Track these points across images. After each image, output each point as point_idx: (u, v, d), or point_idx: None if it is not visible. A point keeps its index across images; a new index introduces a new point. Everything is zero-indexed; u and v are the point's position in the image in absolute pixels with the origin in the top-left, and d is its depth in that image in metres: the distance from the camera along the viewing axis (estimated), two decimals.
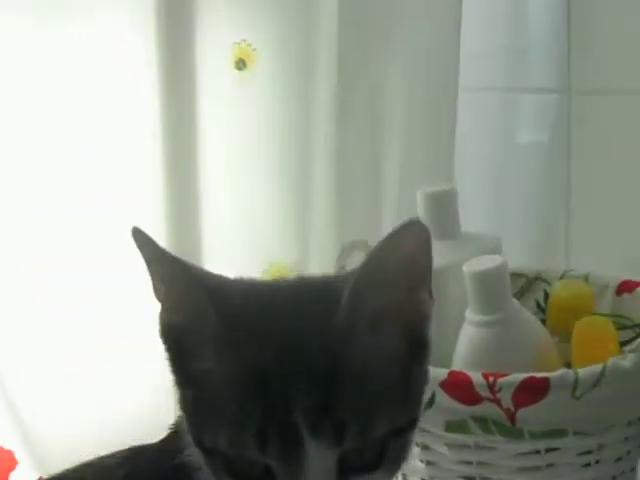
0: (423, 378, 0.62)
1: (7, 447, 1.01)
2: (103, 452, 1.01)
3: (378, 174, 1.25)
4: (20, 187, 1.00)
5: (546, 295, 1.09)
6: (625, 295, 1.06)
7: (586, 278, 1.08)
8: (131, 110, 1.06)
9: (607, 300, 1.06)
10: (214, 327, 0.55)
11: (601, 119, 1.20)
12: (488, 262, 0.93)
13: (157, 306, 0.58)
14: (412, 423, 0.59)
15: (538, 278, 1.10)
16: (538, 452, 0.89)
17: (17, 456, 1.01)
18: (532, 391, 0.85)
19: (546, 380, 0.85)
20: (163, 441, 0.64)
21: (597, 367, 0.85)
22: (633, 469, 0.95)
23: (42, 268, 1.01)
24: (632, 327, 1.02)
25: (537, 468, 0.90)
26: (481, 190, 1.33)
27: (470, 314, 0.94)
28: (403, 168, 1.25)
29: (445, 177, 1.25)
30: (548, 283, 1.10)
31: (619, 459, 0.92)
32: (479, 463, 0.90)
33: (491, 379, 0.85)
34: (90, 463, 0.65)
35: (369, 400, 0.55)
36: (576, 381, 0.85)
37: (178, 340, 0.57)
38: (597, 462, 0.90)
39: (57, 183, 1.01)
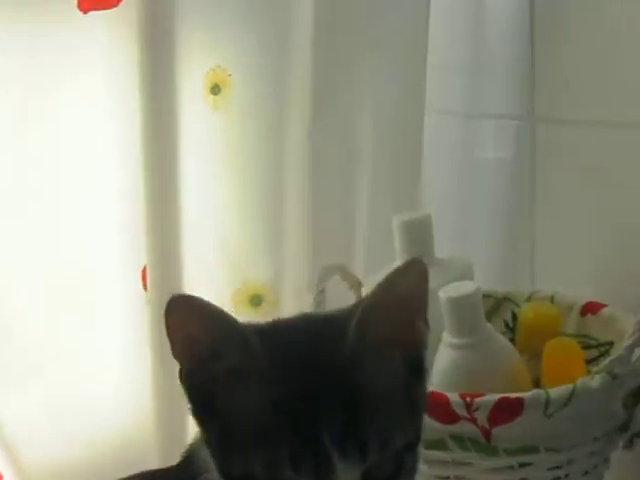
0: (424, 396, 0.69)
1: None
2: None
3: (351, 198, 1.29)
4: None
5: (514, 316, 1.14)
6: (589, 316, 1.11)
7: (552, 299, 1.14)
8: (113, 135, 1.09)
9: (572, 320, 1.11)
10: (252, 366, 0.61)
11: (565, 147, 1.25)
12: (463, 288, 0.98)
13: None
14: (419, 437, 0.66)
15: (506, 299, 1.16)
16: (512, 467, 0.94)
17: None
18: (507, 410, 0.90)
19: (520, 400, 0.90)
20: (178, 466, 0.68)
21: (567, 387, 0.91)
22: None
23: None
24: (596, 347, 1.08)
25: None
26: (445, 212, 1.37)
27: (446, 337, 0.99)
28: (373, 191, 1.29)
29: (412, 199, 1.30)
30: (515, 304, 1.15)
31: (586, 473, 0.98)
32: (456, 478, 0.96)
33: (468, 399, 0.90)
34: None
35: (385, 419, 0.62)
36: (548, 401, 0.90)
37: (207, 391, 0.62)
38: (566, 476, 0.96)
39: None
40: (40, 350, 1.08)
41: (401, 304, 0.64)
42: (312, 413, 0.60)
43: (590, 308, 1.11)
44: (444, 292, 0.98)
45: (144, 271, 1.13)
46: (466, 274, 1.05)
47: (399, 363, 0.66)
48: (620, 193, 1.20)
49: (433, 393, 0.92)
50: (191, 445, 0.68)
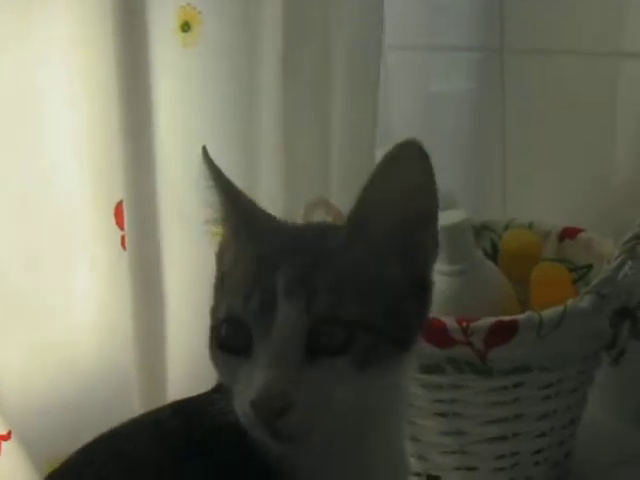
0: (417, 317, 0.70)
1: None
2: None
3: (324, 132, 1.29)
4: None
5: (493, 244, 1.17)
6: (567, 241, 1.15)
7: (530, 226, 1.17)
8: (89, 73, 1.08)
9: (551, 245, 1.15)
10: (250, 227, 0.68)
11: (533, 77, 1.27)
12: (452, 217, 1.00)
13: None
14: (389, 339, 0.65)
15: (484, 227, 1.18)
16: (505, 388, 0.98)
17: None
18: (502, 333, 0.93)
19: (514, 322, 0.93)
20: (206, 393, 0.70)
21: (558, 309, 0.94)
22: (585, 398, 1.05)
23: None
24: (575, 270, 1.12)
25: (504, 403, 0.99)
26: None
27: (439, 265, 1.01)
28: (346, 125, 1.29)
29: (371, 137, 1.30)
30: (494, 231, 1.18)
31: (575, 390, 1.02)
32: (452, 400, 0.99)
33: (464, 324, 0.93)
34: (140, 419, 0.70)
35: (347, 287, 0.64)
36: (540, 322, 0.93)
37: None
38: (557, 394, 1.00)
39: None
40: (16, 293, 1.07)
41: (399, 196, 0.65)
42: (277, 263, 0.64)
43: (568, 233, 1.15)
44: None
45: (117, 208, 1.12)
46: (452, 203, 1.07)
47: (396, 269, 0.67)
48: (589, 120, 1.23)
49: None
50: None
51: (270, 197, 1.23)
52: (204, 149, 0.73)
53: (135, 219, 1.09)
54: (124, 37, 1.06)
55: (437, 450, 1.01)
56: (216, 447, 0.65)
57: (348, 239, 0.66)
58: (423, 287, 0.71)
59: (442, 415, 0.99)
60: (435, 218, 0.68)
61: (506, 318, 0.93)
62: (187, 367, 1.16)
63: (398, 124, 1.40)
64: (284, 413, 0.60)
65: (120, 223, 1.11)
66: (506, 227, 1.18)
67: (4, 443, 1.03)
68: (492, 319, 0.93)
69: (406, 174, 0.64)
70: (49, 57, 1.06)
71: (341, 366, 0.62)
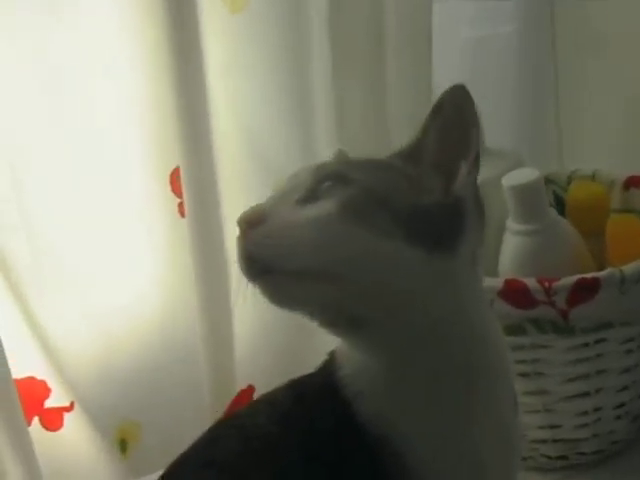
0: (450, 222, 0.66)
1: (40, 377, 1.03)
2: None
3: (376, 92, 1.27)
4: None
5: (556, 197, 1.16)
6: (632, 189, 1.13)
7: (593, 176, 1.15)
8: (141, 40, 1.07)
9: (616, 195, 1.13)
10: None
11: (584, 16, 1.25)
12: (525, 175, 0.99)
13: None
14: (393, 211, 0.64)
15: (546, 180, 1.16)
16: (587, 345, 0.97)
17: (49, 384, 1.03)
18: (584, 291, 0.92)
19: (596, 280, 0.92)
20: (319, 369, 0.69)
21: (639, 263, 0.93)
22: None
23: None
24: None
25: (587, 359, 0.98)
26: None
27: (513, 224, 1.00)
28: (396, 76, 1.27)
29: (427, 85, 1.29)
30: (556, 184, 1.17)
31: None
32: (534, 360, 0.98)
33: (547, 284, 0.92)
34: (260, 400, 0.70)
35: (367, 169, 0.67)
36: (622, 278, 0.92)
37: None
38: (638, 347, 0.99)
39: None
40: (74, 263, 1.05)
41: (444, 128, 0.66)
42: None
43: (633, 182, 1.13)
44: (507, 180, 0.99)
45: (172, 175, 1.10)
46: (520, 162, 1.06)
47: (436, 184, 0.67)
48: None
49: (508, 280, 0.94)
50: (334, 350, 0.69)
51: (324, 156, 1.21)
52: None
53: (194, 186, 1.07)
54: (172, 3, 1.05)
55: (521, 410, 1.00)
56: (325, 428, 0.64)
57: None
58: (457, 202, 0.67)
59: (524, 375, 0.98)
60: (476, 151, 0.67)
61: (588, 276, 0.92)
62: (254, 336, 1.15)
63: (446, 75, 1.37)
64: (256, 224, 0.62)
65: (176, 190, 1.09)
66: (569, 178, 1.17)
67: (67, 415, 1.03)
68: (574, 278, 0.92)
69: (450, 110, 0.66)
70: (102, 25, 1.04)
71: (325, 206, 0.62)
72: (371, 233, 0.62)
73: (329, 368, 0.68)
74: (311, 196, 0.64)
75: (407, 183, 0.66)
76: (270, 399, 0.69)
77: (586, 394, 1.00)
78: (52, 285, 1.03)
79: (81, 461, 1.05)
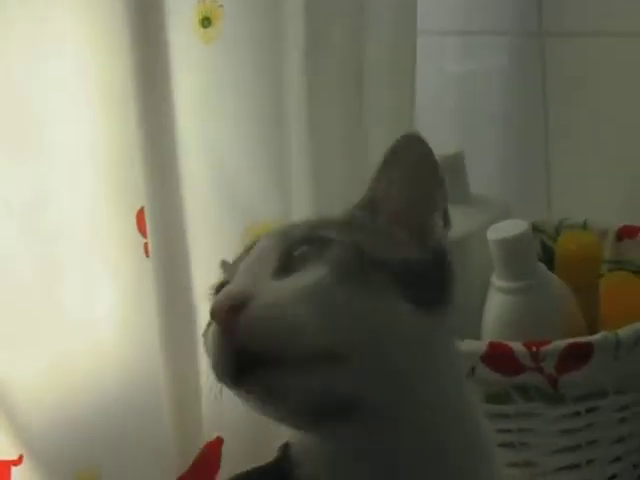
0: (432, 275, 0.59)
1: None
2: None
3: (355, 126, 1.20)
4: None
5: (544, 246, 1.09)
6: (626, 240, 1.06)
7: (584, 225, 1.08)
8: (105, 75, 1.00)
9: (608, 246, 1.06)
10: None
11: (575, 61, 1.19)
12: (513, 228, 0.91)
13: None
14: (378, 262, 0.57)
15: (535, 229, 1.08)
16: (578, 414, 0.89)
17: None
18: (575, 357, 0.85)
19: (589, 345, 0.85)
20: (274, 463, 0.61)
21: (636, 326, 0.86)
22: None
23: None
24: (637, 272, 1.03)
25: (577, 429, 0.90)
26: (448, 135, 1.30)
27: (498, 281, 0.93)
28: (373, 118, 1.22)
29: (409, 125, 1.23)
30: (544, 233, 1.09)
31: None
32: (520, 430, 0.90)
33: (534, 348, 0.84)
34: None
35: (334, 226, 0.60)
36: (618, 342, 0.85)
37: None
38: (633, 415, 0.92)
39: None
40: (33, 304, 0.98)
41: (404, 183, 0.61)
42: None
43: (626, 232, 1.07)
44: (493, 232, 0.91)
45: (139, 214, 1.04)
46: (506, 212, 0.98)
47: (406, 241, 0.60)
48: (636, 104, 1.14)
49: (492, 344, 0.86)
50: (285, 443, 0.60)
51: (300, 198, 1.15)
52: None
53: (158, 227, 1.01)
54: (140, 36, 0.98)
55: None
56: None
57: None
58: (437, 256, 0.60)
59: (509, 446, 0.90)
60: (445, 204, 0.61)
61: (580, 340, 0.85)
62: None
63: (429, 112, 1.30)
64: (240, 309, 0.52)
65: (143, 230, 1.02)
66: (558, 227, 1.10)
67: (14, 469, 0.96)
68: (564, 342, 0.85)
69: (407, 163, 0.61)
70: (62, 57, 0.97)
71: (313, 272, 0.54)
72: (375, 294, 0.54)
73: (283, 466, 0.59)
74: (287, 266, 0.55)
75: (383, 238, 0.59)
76: None
77: (576, 466, 0.92)
78: (5, 327, 0.96)
79: None
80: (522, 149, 1.26)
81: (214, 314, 0.52)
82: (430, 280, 0.58)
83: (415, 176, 0.61)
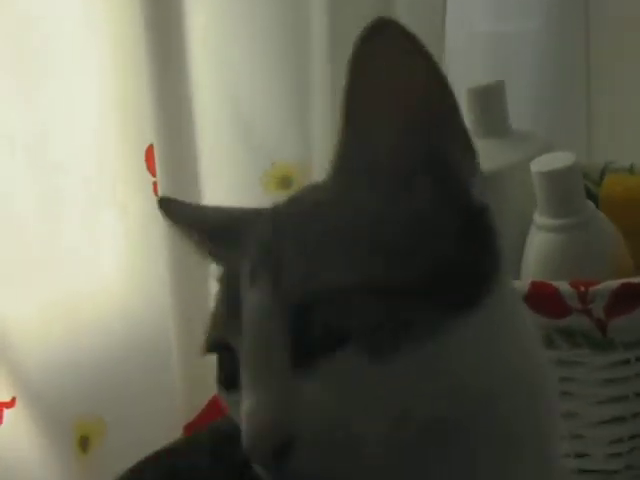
0: (473, 262, 0.46)
1: None
2: None
3: None
4: None
5: (588, 191, 1.02)
6: None
7: (631, 169, 1.02)
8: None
9: None
10: None
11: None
12: (559, 160, 0.84)
13: None
14: (416, 298, 0.44)
15: None
16: (627, 362, 0.83)
17: None
18: (628, 298, 0.78)
19: None
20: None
21: None
22: None
23: None
24: None
25: (625, 379, 0.84)
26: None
27: (541, 218, 0.86)
28: None
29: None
30: (588, 178, 1.02)
31: None
32: (562, 379, 0.83)
33: (582, 288, 0.78)
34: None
35: (332, 246, 0.45)
36: None
37: None
38: None
39: None
40: (38, 243, 0.95)
41: (386, 99, 0.46)
42: (244, 254, 0.48)
43: None
44: (537, 165, 0.84)
45: (148, 152, 0.99)
46: (549, 146, 0.91)
47: (421, 200, 0.47)
48: None
49: (535, 283, 0.80)
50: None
51: (321, 138, 1.09)
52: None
53: (168, 165, 0.97)
54: None
55: None
56: None
57: (334, 183, 0.49)
58: (473, 219, 0.47)
59: None
60: (457, 119, 0.47)
61: (633, 281, 0.78)
62: None
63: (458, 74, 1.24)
64: (286, 452, 0.43)
65: (152, 168, 0.99)
66: (602, 172, 1.03)
67: (6, 411, 0.92)
68: (616, 282, 0.78)
69: (391, 64, 0.45)
70: None
71: (347, 361, 0.43)
72: (419, 350, 0.44)
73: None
74: (304, 345, 0.44)
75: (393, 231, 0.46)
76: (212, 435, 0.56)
77: (621, 419, 0.86)
78: (6, 264, 0.93)
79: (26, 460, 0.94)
80: (562, 89, 1.19)
81: (252, 458, 0.44)
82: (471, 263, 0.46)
83: (405, 88, 0.46)
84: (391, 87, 0.45)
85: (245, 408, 0.43)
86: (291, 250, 0.45)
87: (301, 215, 0.48)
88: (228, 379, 0.47)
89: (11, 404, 0.91)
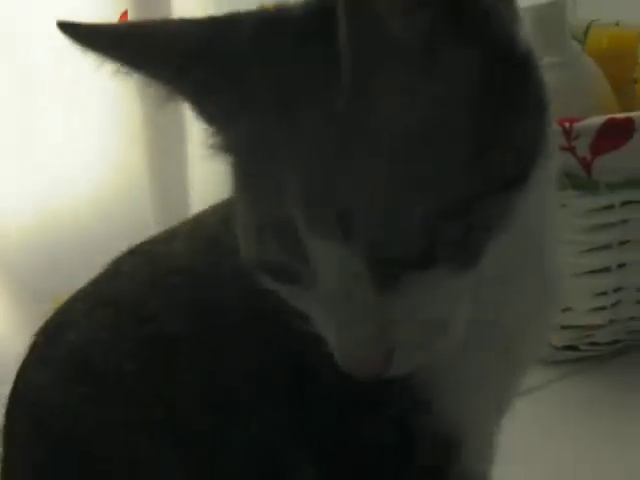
0: (516, 118, 0.41)
1: None
2: None
3: None
4: None
5: None
6: None
7: (617, 26, 0.98)
8: None
9: None
10: None
11: None
12: None
13: None
14: (491, 195, 0.40)
15: None
16: (612, 207, 0.81)
17: None
18: (614, 135, 0.76)
19: (629, 121, 0.76)
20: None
21: None
22: None
23: None
24: None
25: (610, 225, 0.82)
26: None
27: None
28: None
29: None
30: (573, 36, 0.99)
31: None
32: None
33: (567, 125, 0.75)
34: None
35: (393, 176, 0.39)
36: None
37: None
38: None
39: None
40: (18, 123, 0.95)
41: None
42: (278, 172, 0.40)
43: None
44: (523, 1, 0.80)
45: (122, 18, 0.96)
46: None
47: (457, 60, 0.39)
48: None
49: None
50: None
51: None
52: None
53: None
54: None
55: None
56: None
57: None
58: (518, 64, 0.41)
59: None
60: None
61: (619, 116, 0.76)
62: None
63: None
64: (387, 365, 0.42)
65: None
66: (587, 30, 0.99)
67: None
68: (601, 118, 0.76)
69: None
70: None
71: (432, 278, 0.41)
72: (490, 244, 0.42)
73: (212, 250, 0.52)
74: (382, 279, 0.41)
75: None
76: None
77: (606, 270, 0.84)
78: None
79: None
80: None
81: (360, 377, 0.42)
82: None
83: None
84: None
85: (341, 343, 0.41)
86: (355, 197, 0.39)
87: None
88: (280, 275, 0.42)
89: None
